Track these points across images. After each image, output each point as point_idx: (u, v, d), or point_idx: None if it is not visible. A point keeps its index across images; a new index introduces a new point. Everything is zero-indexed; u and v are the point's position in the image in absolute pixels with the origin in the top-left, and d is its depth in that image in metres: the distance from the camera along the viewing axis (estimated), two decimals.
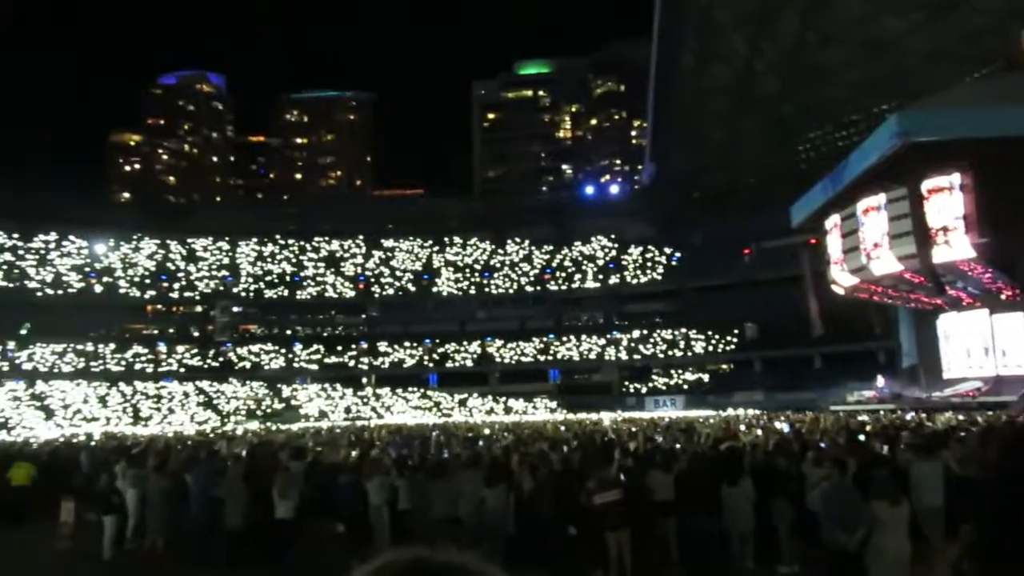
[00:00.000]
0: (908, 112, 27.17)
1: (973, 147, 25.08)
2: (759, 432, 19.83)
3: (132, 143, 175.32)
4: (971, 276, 29.91)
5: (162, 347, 69.84)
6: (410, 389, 66.80)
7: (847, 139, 60.17)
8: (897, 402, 36.09)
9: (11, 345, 63.44)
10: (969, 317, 35.24)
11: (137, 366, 66.74)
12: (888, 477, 7.77)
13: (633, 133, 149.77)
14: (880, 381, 43.63)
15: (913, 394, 37.11)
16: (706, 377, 66.89)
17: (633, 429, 23.89)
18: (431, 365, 71.64)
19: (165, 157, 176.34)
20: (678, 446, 15.11)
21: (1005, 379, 31.99)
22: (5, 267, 67.65)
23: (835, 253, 35.36)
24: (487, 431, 26.13)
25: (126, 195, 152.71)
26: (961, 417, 24.22)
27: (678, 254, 75.43)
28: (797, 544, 9.90)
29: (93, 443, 25.46)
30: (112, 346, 67.57)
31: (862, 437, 16.04)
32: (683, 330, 69.23)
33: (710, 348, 67.67)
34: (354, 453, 16.32)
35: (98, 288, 70.62)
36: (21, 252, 69.27)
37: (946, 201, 27.08)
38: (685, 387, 65.98)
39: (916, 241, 27.07)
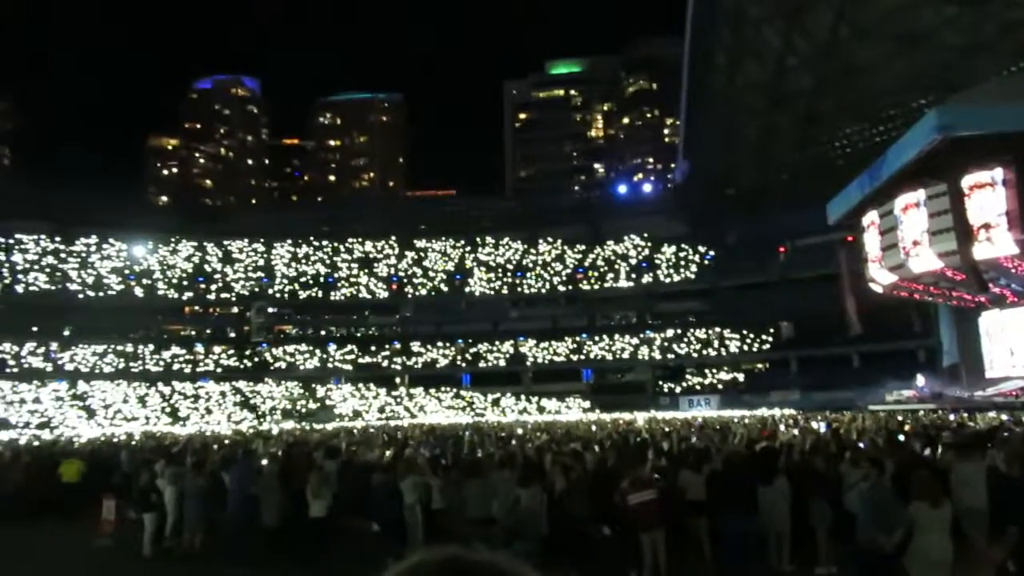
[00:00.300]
0: (948, 106, 26.65)
1: (1015, 141, 24.53)
2: (795, 432, 19.59)
3: (170, 147, 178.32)
4: (1014, 273, 29.26)
5: (199, 348, 70.91)
6: (443, 389, 67.07)
7: (884, 135, 59.24)
8: (938, 402, 35.46)
9: (54, 346, 64.83)
10: (1012, 315, 34.50)
11: (175, 367, 67.85)
12: (929, 477, 7.61)
13: (666, 131, 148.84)
14: (920, 380, 42.90)
15: (954, 393, 36.44)
16: (741, 376, 66.25)
17: (666, 429, 23.74)
18: (464, 365, 71.84)
19: (202, 161, 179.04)
20: (711, 446, 14.96)
21: None
22: (48, 270, 69.14)
23: (873, 250, 34.79)
24: (520, 431, 26.13)
25: (164, 198, 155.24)
26: (1005, 417, 23.70)
27: (712, 252, 74.79)
28: (834, 545, 9.76)
29: (133, 443, 25.91)
30: (151, 347, 68.77)
31: (901, 437, 15.77)
32: (717, 329, 68.63)
33: (745, 347, 67.00)
34: (388, 453, 16.40)
35: (137, 290, 71.91)
36: (63, 255, 70.76)
37: (988, 197, 26.50)
38: (720, 387, 65.41)
39: (957, 238, 26.54)
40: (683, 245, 76.40)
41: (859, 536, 7.85)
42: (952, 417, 24.62)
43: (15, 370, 61.09)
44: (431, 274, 79.18)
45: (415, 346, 72.96)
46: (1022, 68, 45.90)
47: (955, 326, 39.58)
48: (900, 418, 26.01)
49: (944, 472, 9.69)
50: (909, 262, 30.70)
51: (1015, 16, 49.82)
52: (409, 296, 78.16)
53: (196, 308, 76.34)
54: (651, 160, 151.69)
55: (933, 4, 53.26)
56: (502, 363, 71.54)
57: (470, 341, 72.93)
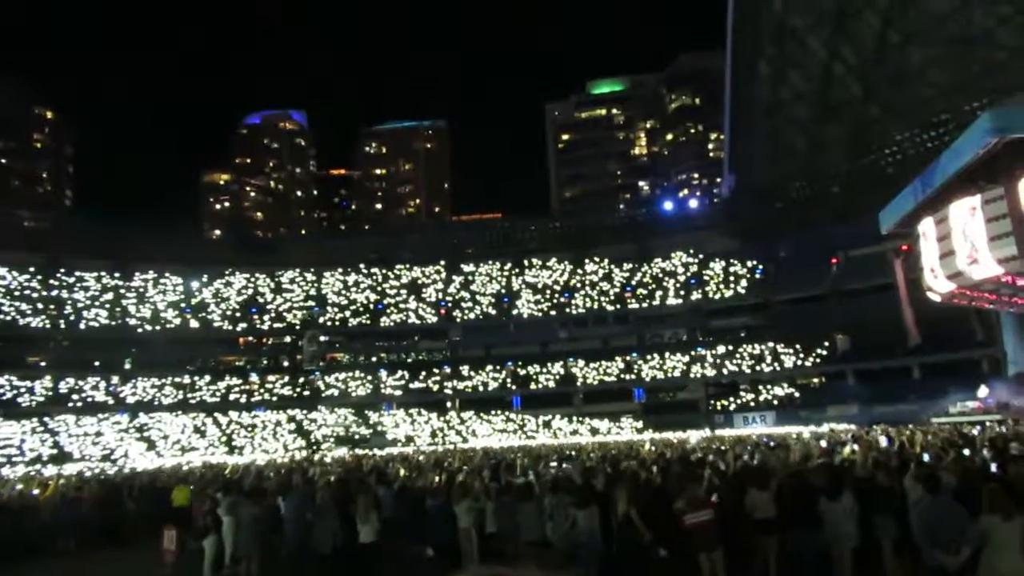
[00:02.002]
0: (1003, 108, 25.96)
1: None
2: (855, 447, 19.08)
3: (222, 182, 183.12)
4: None
5: (254, 377, 72.10)
6: (494, 412, 67.02)
7: (936, 140, 58.06)
8: (1004, 412, 34.24)
9: (115, 379, 66.56)
10: None
11: (231, 397, 69.05)
12: (1000, 490, 7.33)
13: (710, 146, 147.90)
14: (984, 390, 41.52)
15: (1021, 403, 35.16)
16: (796, 392, 64.90)
17: (722, 447, 23.33)
18: (514, 387, 71.73)
19: (252, 194, 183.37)
20: (774, 463, 14.65)
21: None
22: (108, 305, 71.21)
23: (929, 259, 33.86)
24: (574, 452, 25.93)
25: (217, 232, 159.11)
26: None
27: (762, 266, 73.73)
28: (901, 563, 9.45)
29: (192, 473, 26.37)
30: (207, 378, 70.15)
31: (967, 451, 15.25)
32: (770, 344, 67.46)
33: (799, 362, 65.69)
34: (437, 478, 16.42)
35: (193, 323, 73.58)
36: (122, 291, 72.86)
37: None
38: (775, 402, 64.13)
39: (1017, 242, 25.71)
40: (732, 260, 75.50)
41: (923, 554, 7.59)
42: (1002, 428, 23.76)
43: (79, 404, 62.82)
44: (479, 298, 79.48)
45: (465, 370, 73.13)
46: None
47: (1019, 333, 38.27)
48: (965, 430, 25.16)
49: (1016, 484, 9.33)
50: (968, 269, 29.84)
51: None
52: (458, 320, 78.51)
53: (250, 338, 77.76)
54: (696, 176, 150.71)
55: (984, 5, 52.25)
56: (552, 384, 71.26)
57: (520, 363, 72.84)
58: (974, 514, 7.23)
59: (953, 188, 28.70)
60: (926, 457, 13.56)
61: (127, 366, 68.75)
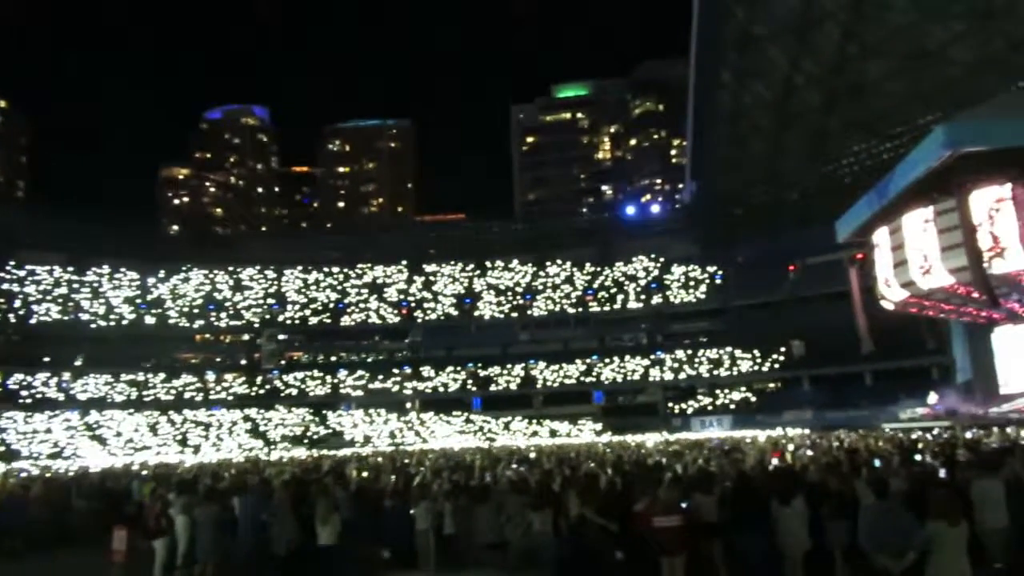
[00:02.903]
0: (956, 122, 26.59)
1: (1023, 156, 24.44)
2: (810, 452, 19.41)
3: (181, 177, 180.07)
4: None
5: (210, 376, 71.00)
6: (454, 413, 66.87)
7: (892, 151, 59.25)
8: (952, 419, 35.10)
9: (66, 376, 65.09)
10: None
11: (187, 395, 67.93)
12: (946, 496, 7.50)
13: (673, 152, 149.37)
14: (933, 397, 42.51)
15: (969, 410, 36.06)
16: (753, 396, 65.80)
17: (678, 450, 23.58)
18: (475, 389, 71.66)
19: (212, 189, 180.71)
20: (723, 467, 14.82)
21: None
22: (60, 300, 69.60)
23: (883, 268, 34.60)
24: (532, 454, 25.99)
25: (175, 228, 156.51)
26: None
27: (722, 272, 74.66)
28: (851, 568, 9.62)
29: (145, 472, 25.90)
30: (162, 376, 68.92)
31: (918, 456, 15.60)
32: (728, 349, 68.30)
33: (756, 367, 66.63)
34: (393, 478, 16.35)
35: (149, 319, 72.23)
36: (75, 285, 71.26)
37: (998, 212, 26.38)
38: (732, 407, 64.95)
39: (967, 254, 26.36)
40: (693, 265, 76.34)
41: (870, 559, 7.74)
42: (969, 435, 24.37)
43: (28, 400, 61.32)
44: (441, 298, 79.27)
45: (425, 371, 72.86)
46: None
47: (968, 342, 39.22)
48: (915, 436, 25.74)
49: (962, 490, 9.56)
50: (920, 279, 30.53)
51: (1022, 33, 49.98)
52: (419, 321, 78.21)
53: (207, 336, 76.60)
54: (659, 181, 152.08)
55: (941, 20, 53.52)
56: (513, 386, 71.32)
57: (480, 365, 72.78)
58: (923, 519, 7.38)
59: (907, 199, 29.34)
60: (877, 462, 13.83)
61: (79, 362, 67.27)
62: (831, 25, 59.33)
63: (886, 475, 10.81)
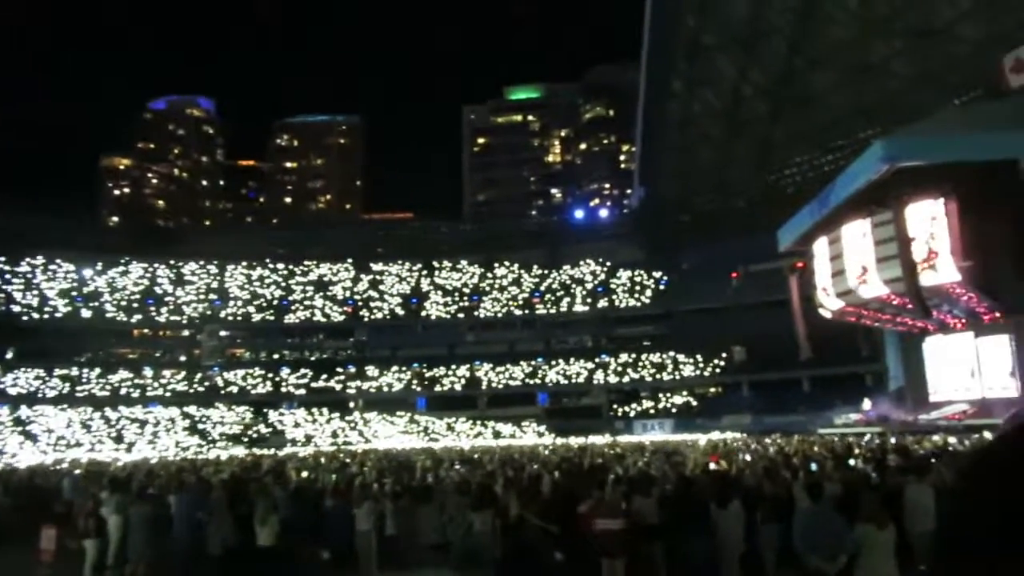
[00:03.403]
0: (893, 137, 27.45)
1: (957, 172, 25.33)
2: (748, 456, 19.79)
3: (122, 167, 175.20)
4: (956, 299, 30.08)
5: (148, 372, 69.26)
6: (398, 413, 66.37)
7: (833, 163, 60.85)
8: (884, 425, 36.15)
9: None
10: (955, 340, 35.41)
11: (123, 391, 66.13)
12: (876, 500, 7.74)
13: (622, 157, 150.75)
14: (867, 404, 43.71)
15: (900, 417, 37.17)
16: (694, 400, 66.80)
17: (619, 452, 23.82)
18: (419, 389, 71.30)
19: (155, 181, 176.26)
20: (663, 470, 15.03)
21: (990, 402, 32.11)
22: None
23: (822, 277, 35.51)
24: (475, 455, 25.98)
25: (115, 219, 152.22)
26: (952, 439, 24.27)
27: (667, 277, 75.64)
28: (782, 570, 9.84)
29: (77, 470, 25.15)
30: (97, 371, 66.99)
31: (852, 461, 16.02)
32: (671, 353, 69.23)
33: (698, 371, 67.66)
34: (334, 477, 16.18)
35: (85, 312, 70.16)
36: (8, 276, 68.85)
37: (931, 225, 27.29)
38: (674, 410, 65.86)
39: (902, 265, 27.22)
40: (639, 270, 77.19)
41: (802, 561, 7.91)
42: (892, 440, 25.09)
43: None
44: (387, 297, 78.69)
45: (370, 370, 72.25)
46: (966, 101, 47.55)
47: (901, 351, 40.45)
48: (849, 440, 26.43)
49: (892, 495, 9.86)
50: (857, 288, 31.39)
51: (959, 51, 51.79)
52: (365, 320, 77.52)
53: (146, 331, 74.73)
54: (608, 186, 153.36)
55: (883, 37, 55.19)
56: (458, 387, 71.17)
57: (426, 365, 72.46)
58: (854, 523, 7.59)
59: (847, 210, 30.16)
60: (814, 466, 14.16)
61: (10, 355, 65.00)
62: (778, 38, 60.71)
63: (821, 479, 11.08)
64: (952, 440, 23.94)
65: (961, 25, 50.73)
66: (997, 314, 31.19)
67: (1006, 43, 39.03)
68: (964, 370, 34.68)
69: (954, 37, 51.68)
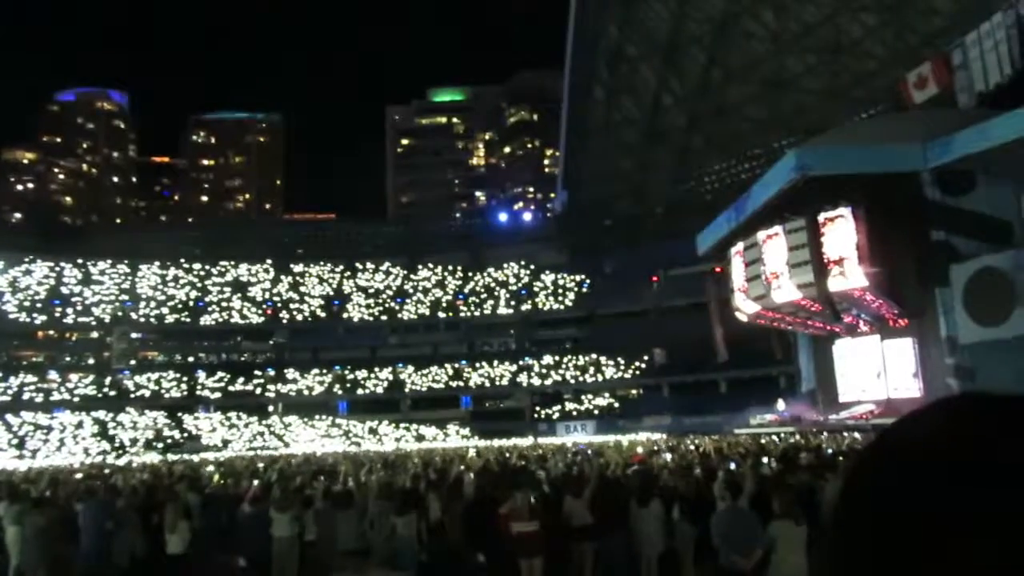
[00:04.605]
0: (806, 148, 28.48)
1: (865, 182, 26.41)
2: (667, 456, 20.16)
3: (26, 161, 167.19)
4: (864, 304, 31.30)
5: (53, 375, 66.21)
6: (319, 417, 65.29)
7: (750, 171, 62.71)
8: (797, 425, 37.32)
9: None
10: (862, 343, 36.80)
11: (25, 395, 63.00)
12: (789, 497, 7.98)
13: (546, 161, 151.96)
14: (781, 405, 45.04)
15: (811, 417, 38.43)
16: (616, 402, 67.73)
17: (542, 452, 23.95)
18: (341, 392, 70.22)
19: (61, 176, 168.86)
20: (587, 471, 15.17)
21: (895, 402, 33.50)
22: None
23: (738, 281, 36.44)
24: (397, 458, 25.73)
25: (18, 215, 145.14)
26: (858, 436, 25.27)
27: (589, 281, 76.51)
28: (699, 567, 10.05)
29: None
30: None
31: (766, 459, 16.49)
32: (594, 356, 70.05)
33: (620, 373, 68.64)
34: (256, 483, 15.78)
35: None
36: None
37: (841, 233, 28.34)
38: (596, 412, 66.64)
39: (813, 270, 28.21)
40: (561, 273, 77.84)
41: (720, 558, 8.11)
42: (794, 439, 25.93)
43: None
44: (308, 299, 77.30)
45: (290, 373, 70.78)
46: (872, 114, 49.65)
47: (812, 354, 41.83)
48: (763, 441, 27.21)
49: (805, 492, 10.19)
50: (771, 293, 32.34)
51: (867, 68, 54.10)
52: (284, 321, 75.93)
53: (51, 332, 71.44)
54: (531, 189, 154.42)
55: (795, 53, 57.27)
56: (380, 390, 70.38)
57: (348, 368, 71.44)
58: (766, 519, 7.81)
59: (761, 217, 31.10)
60: (732, 465, 14.53)
61: None
62: (697, 50, 62.31)
63: (739, 478, 11.37)
64: (858, 437, 24.94)
65: (869, 42, 53.03)
66: (901, 319, 32.58)
67: (910, 61, 41.04)
68: (871, 372, 36.05)
69: (862, 54, 54.00)
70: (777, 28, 56.50)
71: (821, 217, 28.36)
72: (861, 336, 36.68)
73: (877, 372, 35.75)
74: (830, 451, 19.00)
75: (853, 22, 52.82)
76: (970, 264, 23.96)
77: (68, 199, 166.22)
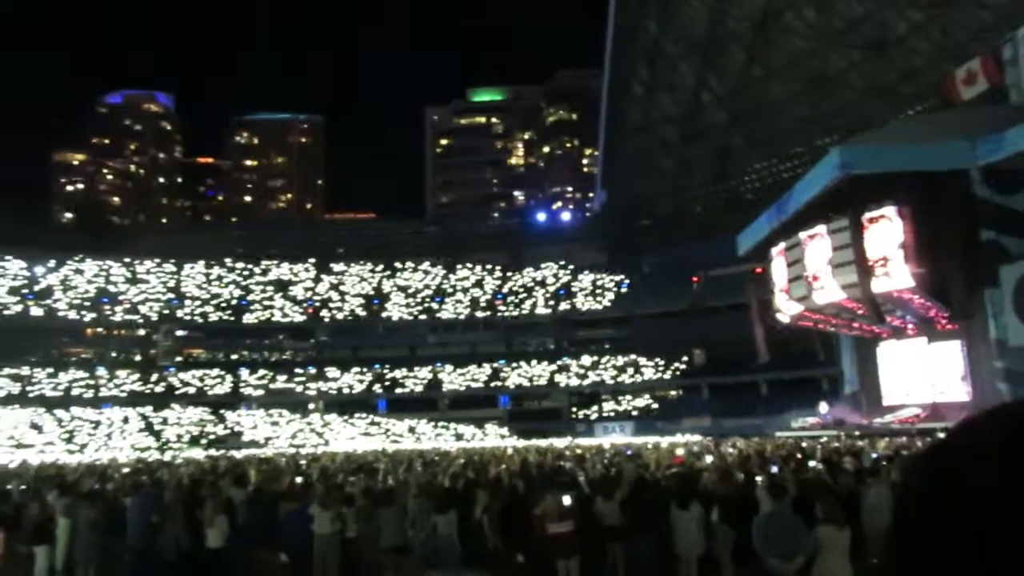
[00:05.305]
0: (849, 146, 28.04)
1: (910, 181, 25.93)
2: (709, 458, 20.00)
3: (76, 162, 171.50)
4: (909, 305, 30.72)
5: (102, 371, 67.81)
6: (358, 415, 65.95)
7: (791, 170, 61.82)
8: (839, 428, 36.75)
9: None
10: (908, 345, 36.13)
11: (75, 391, 64.61)
12: (833, 501, 7.87)
13: (585, 161, 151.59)
14: (823, 407, 44.39)
15: (855, 420, 37.82)
16: (654, 403, 67.32)
17: (580, 453, 23.91)
18: (380, 391, 70.83)
19: (110, 177, 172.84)
20: (624, 473, 15.12)
21: (942, 406, 32.83)
22: None
23: (780, 282, 36.04)
24: (436, 457, 25.89)
25: (68, 215, 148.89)
26: (902, 440, 24.80)
27: (628, 280, 76.11)
28: (739, 571, 9.96)
29: (30, 471, 24.55)
30: (49, 370, 65.41)
31: (812, 463, 16.27)
32: (632, 356, 69.69)
33: (658, 374, 68.19)
34: (300, 479, 15.99)
35: (36, 310, 68.45)
36: None
37: (885, 232, 27.86)
38: (634, 413, 66.31)
39: (857, 271, 27.78)
40: (600, 273, 77.54)
41: (762, 561, 8.02)
42: (837, 444, 25.49)
43: None
44: (348, 298, 78.07)
45: (330, 371, 71.60)
46: (919, 111, 48.67)
47: (856, 355, 41.17)
48: (804, 444, 26.86)
49: (848, 496, 10.04)
50: (813, 294, 31.92)
51: (912, 64, 53.02)
52: (325, 320, 76.80)
53: (99, 330, 73.15)
54: (570, 189, 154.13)
55: (838, 49, 56.30)
56: (419, 389, 70.84)
57: (387, 367, 72.02)
58: (809, 524, 7.71)
59: (804, 217, 30.69)
60: (774, 469, 14.36)
61: None
62: (737, 47, 61.60)
63: (782, 481, 11.24)
64: (902, 441, 24.48)
65: (915, 38, 51.95)
66: (949, 321, 31.91)
67: (957, 56, 40.11)
68: (917, 375, 35.40)
69: (908, 50, 52.91)
70: (819, 24, 55.60)
71: (865, 216, 27.91)
72: (907, 338, 36.01)
73: (923, 375, 35.07)
74: (874, 455, 18.68)
75: (899, 17, 51.77)
76: (1021, 264, 23.38)
77: (116, 199, 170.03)
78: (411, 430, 63.50)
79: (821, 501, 7.88)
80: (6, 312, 67.04)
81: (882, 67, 55.45)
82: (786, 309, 36.71)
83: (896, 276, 27.73)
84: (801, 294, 33.24)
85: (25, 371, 64.24)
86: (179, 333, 73.12)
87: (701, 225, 70.44)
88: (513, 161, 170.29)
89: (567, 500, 10.11)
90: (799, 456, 18.36)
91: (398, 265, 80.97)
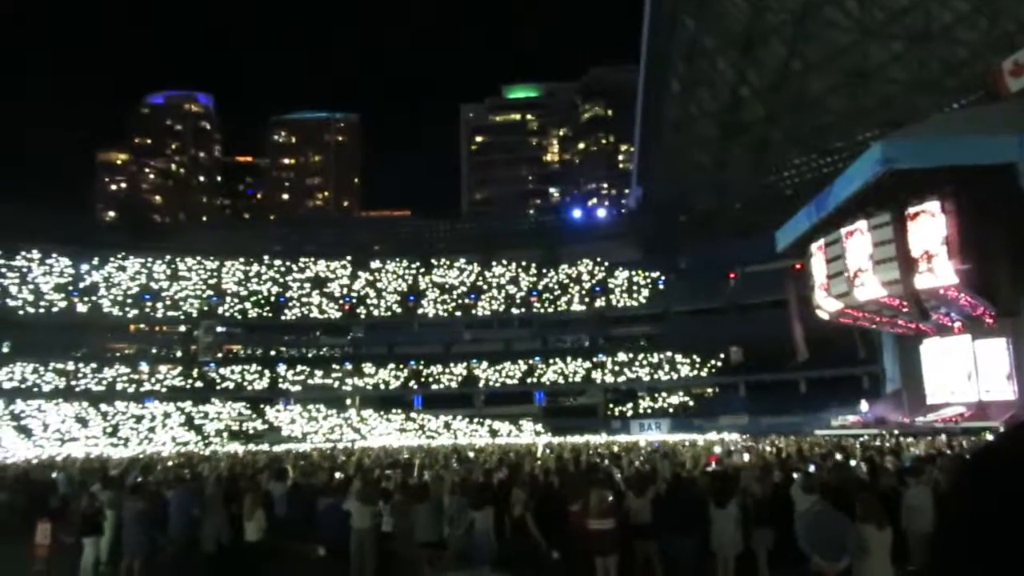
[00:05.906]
0: (891, 140, 27.49)
1: (954, 175, 25.37)
2: (746, 456, 19.80)
3: (119, 162, 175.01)
4: (953, 302, 30.10)
5: (144, 367, 69.16)
6: (394, 411, 66.41)
7: (831, 165, 60.87)
8: (881, 427, 36.15)
9: None
10: (952, 342, 35.42)
11: (118, 386, 66.01)
12: (875, 501, 7.74)
13: (620, 157, 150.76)
14: (864, 406, 43.70)
15: (897, 419, 37.19)
16: (691, 401, 66.79)
17: (616, 451, 23.79)
18: (416, 387, 71.23)
19: (152, 176, 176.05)
20: (658, 470, 15.01)
21: (987, 404, 32.13)
22: None
23: (820, 278, 35.54)
24: (472, 453, 25.96)
25: (111, 214, 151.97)
26: (945, 439, 24.30)
27: (664, 277, 75.59)
28: (775, 571, 9.85)
29: (75, 464, 25.11)
30: (93, 365, 66.85)
31: (852, 462, 16.04)
32: (668, 353, 69.19)
33: (695, 371, 67.62)
34: (338, 475, 16.14)
35: (80, 307, 70.01)
36: (3, 270, 68.71)
37: (929, 228, 27.31)
38: (670, 410, 65.84)
39: (899, 267, 27.28)
40: (636, 270, 77.10)
41: (808, 561, 7.92)
42: (877, 442, 25.04)
43: None
44: (384, 295, 78.63)
45: (367, 367, 72.18)
46: (963, 105, 47.59)
47: (898, 353, 40.44)
48: (845, 443, 26.45)
49: (888, 495, 9.87)
50: (854, 290, 31.43)
51: (957, 56, 51.84)
52: (362, 317, 77.45)
53: (142, 326, 74.59)
54: (605, 185, 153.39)
55: (881, 41, 55.22)
56: (454, 385, 71.11)
57: (422, 363, 72.41)
58: (853, 523, 7.60)
59: (844, 213, 30.20)
60: (812, 468, 14.17)
61: (5, 349, 64.86)
62: (776, 41, 60.74)
63: (820, 480, 11.09)
64: (943, 440, 23.99)
65: (959, 29, 50.76)
66: (994, 317, 31.19)
67: (1005, 47, 39.13)
68: (961, 373, 34.70)
69: (952, 41, 51.72)
70: (861, 16, 54.56)
71: (907, 212, 27.40)
72: (951, 336, 35.30)
73: (968, 373, 34.38)
74: (917, 453, 18.32)
75: (943, 8, 50.60)
76: None
77: (158, 198, 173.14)
78: (446, 426, 63.76)
79: (860, 500, 7.76)
80: (52, 309, 68.66)
81: (925, 59, 54.26)
82: (826, 306, 36.20)
83: (940, 272, 27.17)
84: (841, 291, 32.75)
85: (71, 367, 65.74)
86: (219, 329, 74.26)
87: (739, 221, 69.59)
88: (548, 158, 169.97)
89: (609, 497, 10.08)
90: (838, 455, 18.09)
91: (433, 262, 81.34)
